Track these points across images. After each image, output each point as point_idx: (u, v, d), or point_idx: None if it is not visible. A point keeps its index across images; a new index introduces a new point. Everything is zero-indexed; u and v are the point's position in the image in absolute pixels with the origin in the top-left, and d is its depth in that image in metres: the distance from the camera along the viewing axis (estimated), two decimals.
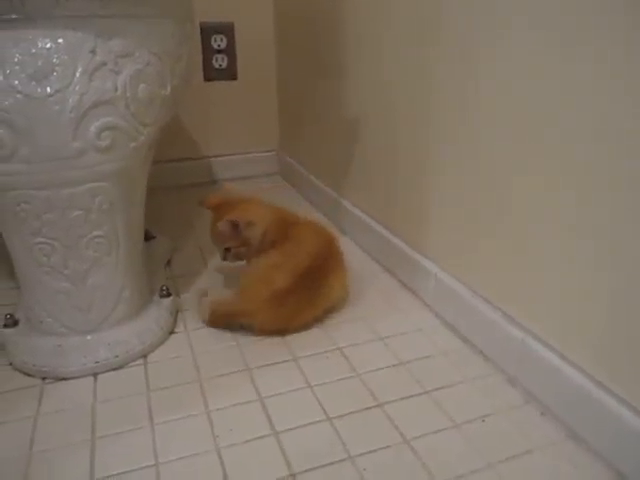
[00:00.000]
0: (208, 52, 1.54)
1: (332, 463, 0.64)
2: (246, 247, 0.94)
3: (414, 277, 1.00)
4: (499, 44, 0.72)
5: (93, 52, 0.68)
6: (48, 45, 0.66)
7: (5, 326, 0.84)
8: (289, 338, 0.87)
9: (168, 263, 1.15)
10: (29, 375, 0.80)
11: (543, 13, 0.65)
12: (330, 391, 0.76)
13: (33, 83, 0.66)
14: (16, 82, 0.64)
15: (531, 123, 0.69)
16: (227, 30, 1.53)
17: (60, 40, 0.66)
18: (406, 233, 1.03)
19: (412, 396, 0.75)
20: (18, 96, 0.65)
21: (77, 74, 0.67)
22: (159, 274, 1.05)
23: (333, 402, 0.74)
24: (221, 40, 1.54)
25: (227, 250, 0.96)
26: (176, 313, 0.94)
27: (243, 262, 0.97)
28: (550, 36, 0.64)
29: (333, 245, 0.94)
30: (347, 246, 1.21)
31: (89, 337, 0.82)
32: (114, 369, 0.81)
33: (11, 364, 0.82)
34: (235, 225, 0.92)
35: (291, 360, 0.82)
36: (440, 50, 0.84)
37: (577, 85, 0.62)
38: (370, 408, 0.73)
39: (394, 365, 0.81)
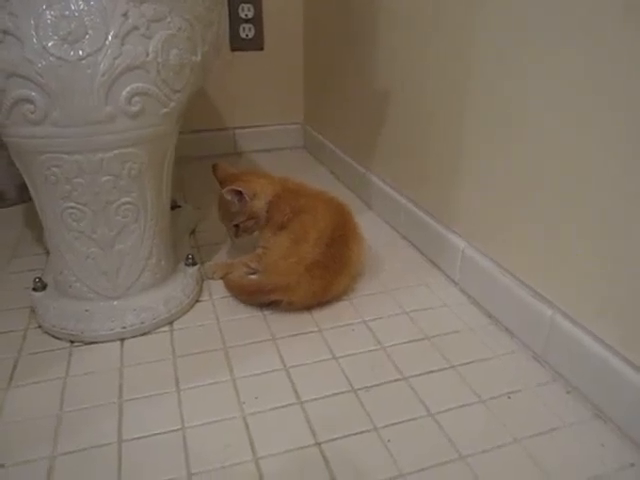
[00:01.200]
0: (235, 21, 1.52)
1: (356, 433, 0.64)
2: (254, 220, 0.94)
3: (441, 252, 0.99)
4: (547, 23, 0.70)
5: (125, 15, 0.68)
6: (81, 7, 0.65)
7: (34, 290, 0.85)
8: (314, 310, 0.87)
9: (192, 232, 1.15)
10: (57, 338, 0.81)
11: None
12: (355, 363, 0.76)
13: (66, 46, 0.65)
14: (49, 44, 0.64)
15: (563, 106, 0.67)
16: None
17: (92, 2, 0.66)
18: (434, 208, 1.02)
19: (437, 370, 0.75)
20: (51, 59, 0.65)
21: (109, 38, 0.67)
22: (184, 243, 1.06)
23: (358, 374, 0.74)
24: (249, 9, 1.52)
25: (236, 227, 0.96)
26: (201, 282, 0.94)
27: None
28: None
29: (346, 212, 0.93)
30: (373, 221, 1.21)
31: (116, 302, 0.83)
32: (141, 335, 0.82)
33: (40, 326, 0.83)
34: (240, 195, 0.92)
35: (317, 331, 0.82)
36: (480, 23, 0.82)
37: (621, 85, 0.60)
38: (395, 381, 0.73)
39: (419, 339, 0.81)
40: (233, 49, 1.55)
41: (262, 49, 1.59)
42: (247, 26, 1.54)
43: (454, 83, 0.90)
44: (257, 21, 1.54)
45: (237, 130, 1.66)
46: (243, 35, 1.54)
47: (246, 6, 1.51)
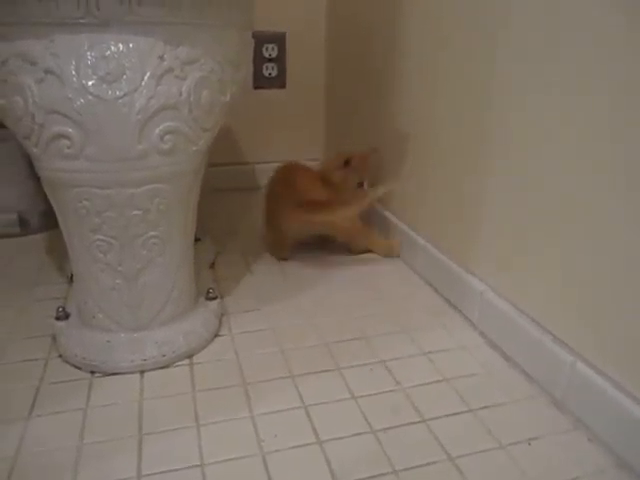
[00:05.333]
0: (259, 60, 1.56)
1: (376, 476, 0.64)
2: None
3: (459, 294, 0.99)
4: (559, 54, 0.72)
5: (161, 58, 0.70)
6: (120, 49, 0.68)
7: (57, 319, 0.87)
8: (333, 348, 0.88)
9: (212, 266, 1.16)
10: (78, 368, 0.82)
11: None
12: (374, 403, 0.76)
13: (104, 85, 0.68)
14: (89, 83, 0.67)
15: (582, 147, 0.68)
16: (279, 40, 1.56)
17: (131, 45, 0.68)
18: (453, 249, 1.02)
19: (456, 413, 0.74)
20: (90, 97, 0.67)
21: (145, 78, 0.69)
22: (204, 276, 1.07)
23: (377, 415, 0.73)
24: (272, 49, 1.56)
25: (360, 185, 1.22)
26: (221, 316, 0.95)
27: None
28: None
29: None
30: (390, 260, 1.21)
31: (137, 334, 0.83)
32: (161, 368, 0.82)
33: (61, 356, 0.84)
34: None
35: (335, 370, 0.83)
36: (497, 67, 0.84)
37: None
38: (414, 423, 0.72)
39: (438, 381, 0.81)
40: (256, 87, 1.59)
41: (284, 87, 1.63)
42: (270, 65, 1.58)
43: (473, 127, 0.91)
44: (280, 60, 1.58)
45: (257, 165, 1.68)
46: (266, 74, 1.59)
47: (270, 46, 1.56)
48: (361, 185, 1.22)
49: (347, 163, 1.20)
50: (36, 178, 0.79)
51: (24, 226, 1.30)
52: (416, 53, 1.10)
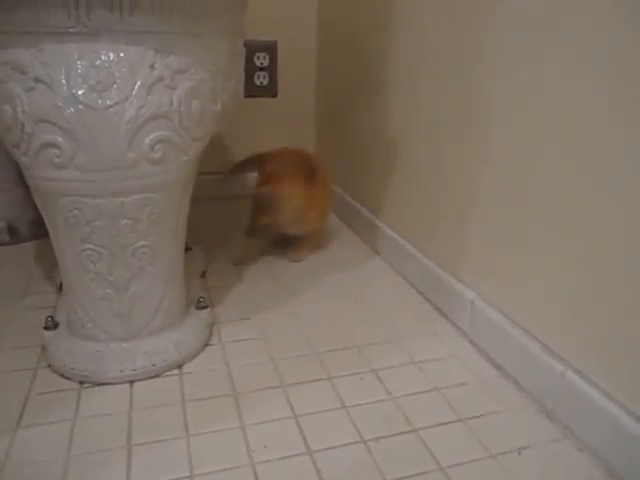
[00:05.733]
0: (250, 69, 1.56)
1: None
2: None
3: (450, 302, 0.99)
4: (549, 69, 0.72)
5: (152, 67, 0.70)
6: (111, 58, 0.68)
7: (46, 328, 0.86)
8: (323, 357, 0.88)
9: (203, 275, 1.16)
10: (67, 378, 0.81)
11: None
12: (364, 413, 0.76)
13: (94, 94, 0.68)
14: (79, 92, 0.66)
15: (581, 153, 0.69)
16: (270, 48, 1.56)
17: (122, 54, 0.68)
18: (443, 257, 1.03)
19: (447, 423, 0.74)
20: (80, 106, 0.67)
21: (136, 87, 0.69)
22: (194, 285, 1.06)
23: (368, 424, 0.73)
24: (264, 58, 1.57)
25: None
26: (212, 325, 0.95)
27: None
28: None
29: None
30: (381, 268, 1.22)
31: (127, 344, 0.83)
32: (150, 377, 0.82)
33: (50, 366, 0.83)
34: None
35: (325, 379, 0.82)
36: (485, 77, 0.85)
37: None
38: (405, 433, 0.72)
39: (429, 390, 0.81)
40: (247, 96, 1.59)
41: (275, 96, 1.63)
42: (262, 74, 1.58)
43: (466, 139, 0.92)
44: (271, 69, 1.59)
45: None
46: (257, 82, 1.59)
47: (261, 55, 1.56)
48: None
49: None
50: (25, 186, 0.78)
51: (13, 234, 1.29)
52: (403, 63, 1.11)
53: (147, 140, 0.72)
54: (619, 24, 0.62)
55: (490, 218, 0.88)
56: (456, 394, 0.80)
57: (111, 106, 0.68)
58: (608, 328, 0.67)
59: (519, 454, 0.69)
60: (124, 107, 0.69)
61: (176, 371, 0.84)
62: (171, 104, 0.72)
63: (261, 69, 1.58)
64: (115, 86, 0.68)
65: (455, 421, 0.75)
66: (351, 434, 0.72)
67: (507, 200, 0.83)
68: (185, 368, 0.84)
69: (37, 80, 0.66)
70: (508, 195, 0.83)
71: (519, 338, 0.81)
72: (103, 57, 0.67)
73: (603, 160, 0.66)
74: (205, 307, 0.94)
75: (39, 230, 0.94)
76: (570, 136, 0.70)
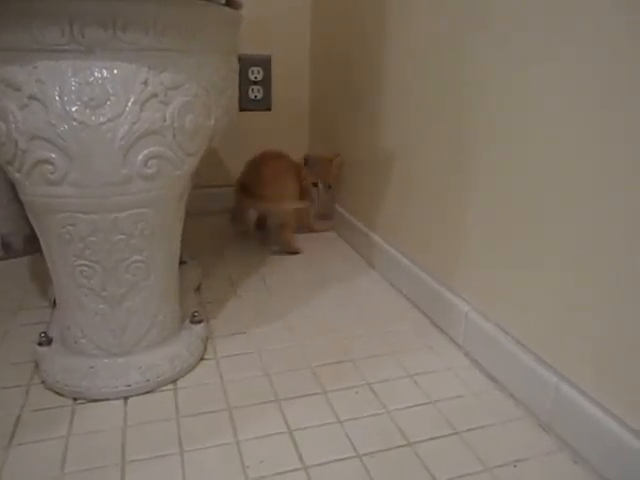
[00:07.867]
0: (245, 83, 1.57)
1: None
2: None
3: (444, 315, 1.00)
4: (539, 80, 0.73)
5: (145, 83, 0.71)
6: (104, 75, 0.68)
7: (39, 344, 0.86)
8: (318, 371, 0.87)
9: (197, 289, 1.16)
10: (61, 395, 0.80)
11: None
12: (359, 427, 0.75)
13: (88, 111, 0.68)
14: (73, 109, 0.67)
15: (566, 169, 0.70)
16: (264, 63, 1.57)
17: (115, 71, 0.69)
18: (437, 270, 1.03)
19: (442, 436, 0.74)
20: (73, 123, 0.67)
21: (129, 104, 0.70)
22: (189, 300, 1.06)
23: (363, 439, 0.73)
24: (258, 72, 1.58)
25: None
26: (206, 339, 0.94)
27: None
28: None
29: None
30: (376, 281, 1.22)
31: (121, 360, 0.82)
32: (144, 393, 0.81)
33: (43, 382, 0.83)
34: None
35: (321, 393, 0.82)
36: (474, 92, 0.86)
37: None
38: (400, 447, 0.72)
39: (424, 404, 0.81)
40: (242, 109, 1.60)
41: (270, 109, 1.64)
42: (256, 87, 1.60)
43: (460, 153, 0.93)
44: (265, 83, 1.60)
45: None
46: (252, 96, 1.60)
47: (256, 69, 1.57)
48: (315, 185, 1.40)
49: (305, 162, 1.39)
50: (20, 201, 0.78)
51: (7, 249, 1.29)
52: (395, 78, 1.12)
53: (141, 156, 0.72)
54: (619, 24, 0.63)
55: (484, 232, 0.88)
56: (451, 407, 0.80)
57: (105, 122, 0.69)
58: (602, 340, 0.67)
59: (515, 467, 0.69)
60: (118, 123, 0.69)
61: (170, 386, 0.83)
62: (164, 120, 0.73)
63: (255, 83, 1.59)
64: (109, 103, 0.69)
65: (450, 434, 0.75)
66: (346, 449, 0.71)
67: (501, 214, 0.84)
68: (180, 383, 0.84)
69: (31, 97, 0.67)
70: (502, 209, 0.83)
71: (514, 350, 0.81)
72: (97, 74, 0.68)
73: (597, 176, 0.66)
74: (200, 321, 0.93)
75: (33, 245, 0.94)
76: (561, 153, 0.71)
